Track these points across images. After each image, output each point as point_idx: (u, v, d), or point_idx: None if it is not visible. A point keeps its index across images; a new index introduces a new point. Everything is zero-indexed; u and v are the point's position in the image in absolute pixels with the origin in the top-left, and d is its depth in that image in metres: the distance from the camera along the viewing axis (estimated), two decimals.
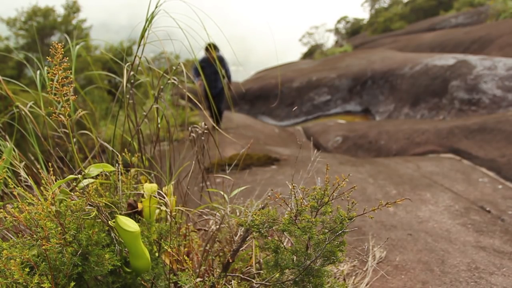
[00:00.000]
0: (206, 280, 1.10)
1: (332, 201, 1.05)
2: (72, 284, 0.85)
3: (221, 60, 6.21)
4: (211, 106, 5.84)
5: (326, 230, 1.04)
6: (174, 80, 1.48)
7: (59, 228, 0.91)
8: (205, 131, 1.56)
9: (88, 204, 0.99)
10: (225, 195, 1.44)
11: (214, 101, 6.18)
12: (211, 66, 5.92)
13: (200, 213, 1.70)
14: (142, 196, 1.23)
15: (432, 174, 3.23)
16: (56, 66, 0.94)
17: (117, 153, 1.35)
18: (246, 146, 1.70)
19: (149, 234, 1.15)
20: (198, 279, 1.06)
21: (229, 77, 6.24)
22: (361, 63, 9.43)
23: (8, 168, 1.16)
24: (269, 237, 1.11)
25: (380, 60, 9.05)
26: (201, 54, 6.12)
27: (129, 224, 0.95)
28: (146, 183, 1.37)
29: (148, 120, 1.59)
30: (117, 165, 1.24)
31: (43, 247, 0.85)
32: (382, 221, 2.20)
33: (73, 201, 0.96)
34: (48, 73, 0.95)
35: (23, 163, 1.26)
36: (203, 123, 1.58)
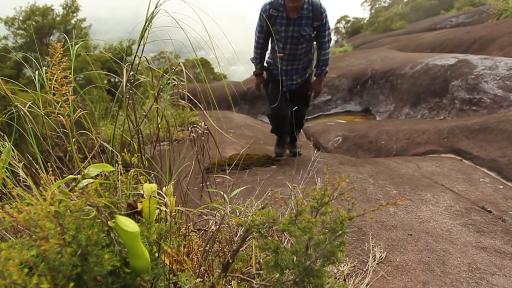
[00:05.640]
0: (206, 281, 1.09)
1: (332, 201, 1.05)
2: (71, 284, 0.85)
3: (317, 9, 2.90)
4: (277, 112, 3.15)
5: (326, 231, 1.03)
6: (174, 80, 1.48)
7: (58, 229, 0.90)
8: (205, 131, 1.55)
9: (88, 204, 0.98)
10: (225, 195, 1.44)
11: (293, 99, 3.46)
12: (290, 22, 2.90)
13: (200, 213, 1.70)
14: (142, 196, 1.23)
15: (433, 174, 3.22)
16: (55, 66, 0.94)
17: (117, 153, 1.35)
18: (246, 146, 1.70)
19: (149, 235, 1.15)
20: (198, 280, 1.06)
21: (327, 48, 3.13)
22: (361, 63, 9.42)
23: (6, 168, 1.15)
24: (269, 237, 1.10)
25: (381, 60, 9.04)
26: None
27: (128, 224, 0.94)
28: (145, 183, 1.36)
29: (148, 120, 1.59)
30: (116, 165, 1.24)
31: (42, 247, 0.85)
32: (382, 221, 2.19)
33: (73, 201, 0.96)
34: (47, 73, 0.94)
35: (22, 163, 1.25)
36: (203, 123, 1.58)
